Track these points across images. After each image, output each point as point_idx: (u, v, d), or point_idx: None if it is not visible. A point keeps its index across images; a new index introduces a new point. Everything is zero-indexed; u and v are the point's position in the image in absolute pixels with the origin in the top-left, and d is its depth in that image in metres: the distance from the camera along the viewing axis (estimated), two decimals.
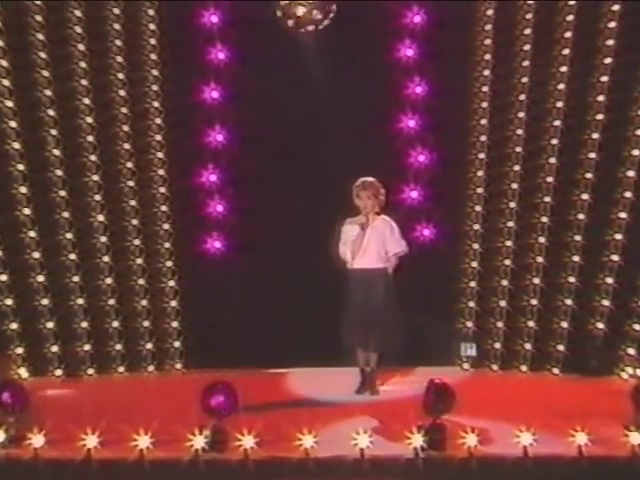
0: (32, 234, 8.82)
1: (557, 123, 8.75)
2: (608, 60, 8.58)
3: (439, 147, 8.92)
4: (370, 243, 7.46)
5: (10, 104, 8.81)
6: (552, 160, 8.76)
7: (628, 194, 8.48)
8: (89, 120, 9.01)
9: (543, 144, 8.81)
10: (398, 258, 7.71)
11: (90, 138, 9.02)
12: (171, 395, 7.58)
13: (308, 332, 8.47)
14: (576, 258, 8.60)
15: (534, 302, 8.70)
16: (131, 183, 9.09)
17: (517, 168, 8.88)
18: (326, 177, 8.72)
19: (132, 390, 8.12)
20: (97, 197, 9.00)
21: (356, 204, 7.66)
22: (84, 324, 8.83)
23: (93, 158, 9.01)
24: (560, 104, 8.75)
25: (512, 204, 8.89)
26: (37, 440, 5.65)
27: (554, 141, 8.75)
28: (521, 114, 8.89)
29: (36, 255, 8.80)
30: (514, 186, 8.88)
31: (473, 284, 8.94)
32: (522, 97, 8.89)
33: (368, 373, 7.64)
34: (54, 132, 8.92)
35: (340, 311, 7.68)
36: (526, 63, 8.85)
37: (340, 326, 7.59)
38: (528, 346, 8.66)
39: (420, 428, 5.52)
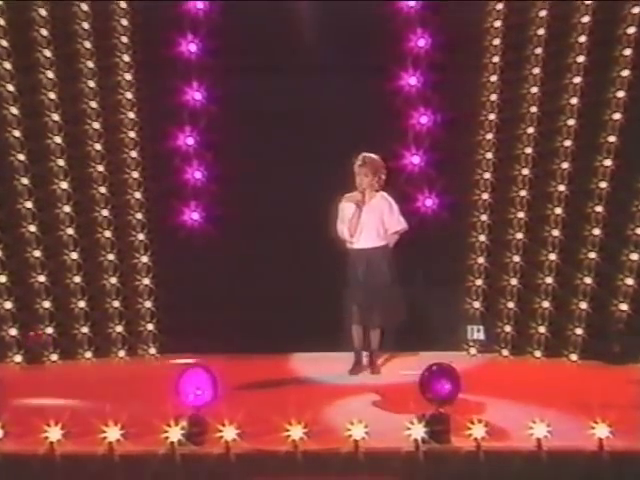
0: None
1: (577, 80, 8.73)
2: (637, 9, 8.54)
3: (443, 107, 8.89)
4: (368, 222, 7.83)
5: None
6: (571, 122, 8.74)
7: None
8: (50, 75, 8.94)
9: (561, 104, 8.81)
10: (398, 235, 8.01)
11: (52, 95, 8.95)
12: (144, 383, 7.57)
13: (297, 314, 8.50)
14: (597, 231, 8.60)
15: (549, 280, 8.72)
16: (98, 147, 9.04)
17: (531, 131, 8.87)
18: (318, 140, 8.71)
19: (100, 377, 8.10)
20: (60, 162, 8.94)
21: (356, 180, 7.93)
22: (46, 304, 8.79)
23: (55, 117, 8.95)
24: (581, 59, 8.72)
25: (525, 171, 8.88)
26: None
27: (573, 100, 8.74)
28: (536, 70, 8.87)
29: None
30: (528, 151, 8.88)
31: (481, 260, 8.95)
32: (538, 51, 8.87)
33: (370, 353, 7.98)
34: (10, 88, 8.83)
35: (331, 290, 7.88)
36: (543, 13, 8.82)
37: (340, 306, 7.83)
38: (542, 329, 8.68)
39: (421, 418, 5.53)
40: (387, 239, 7.92)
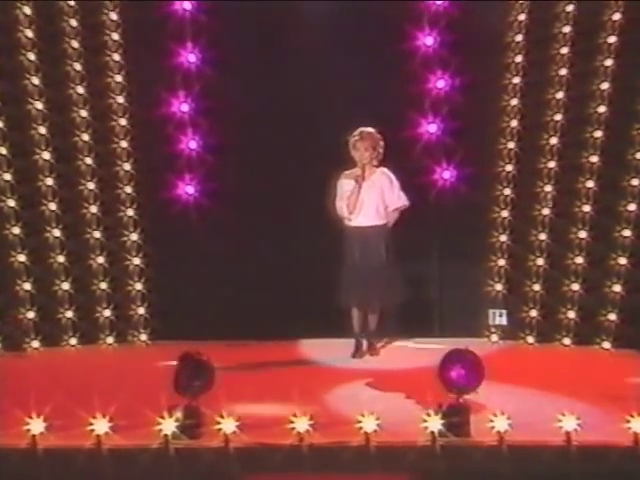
0: None
1: (612, 40, 8.64)
2: None
3: (463, 70, 8.82)
4: (367, 199, 8.06)
5: None
6: (604, 86, 8.68)
7: None
8: (29, 34, 8.86)
9: (594, 66, 8.73)
10: (399, 212, 8.18)
11: (31, 56, 8.86)
12: (134, 371, 7.63)
13: (300, 296, 8.53)
14: (632, 207, 8.56)
15: (579, 260, 8.69)
16: (83, 113, 9.01)
17: (560, 95, 8.82)
18: (325, 107, 8.71)
19: (87, 366, 8.13)
20: (41, 130, 8.88)
21: (353, 156, 8.08)
22: (27, 286, 8.76)
23: (35, 81, 8.88)
24: (617, 16, 8.62)
25: (554, 140, 8.84)
26: None
27: (608, 62, 8.66)
28: (567, 29, 8.79)
29: None
30: (557, 118, 8.83)
31: (504, 238, 8.94)
32: (569, 8, 8.78)
33: (368, 335, 8.28)
34: None
35: (334, 271, 8.04)
36: None
37: (336, 286, 8.02)
38: (572, 314, 8.67)
39: (439, 409, 5.54)
40: (387, 217, 8.14)
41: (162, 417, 5.57)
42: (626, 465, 5.49)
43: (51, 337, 8.80)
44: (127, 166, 9.09)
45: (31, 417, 5.59)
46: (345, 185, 8.10)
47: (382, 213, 8.11)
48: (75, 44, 8.99)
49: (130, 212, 9.09)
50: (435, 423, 5.50)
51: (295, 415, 5.49)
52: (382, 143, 8.10)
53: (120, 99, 9.08)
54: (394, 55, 8.64)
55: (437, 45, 8.87)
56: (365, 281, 8.04)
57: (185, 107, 9.01)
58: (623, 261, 8.55)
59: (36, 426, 5.58)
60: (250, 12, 8.76)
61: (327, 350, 8.31)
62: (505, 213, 8.96)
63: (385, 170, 8.13)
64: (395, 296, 8.13)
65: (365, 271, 8.03)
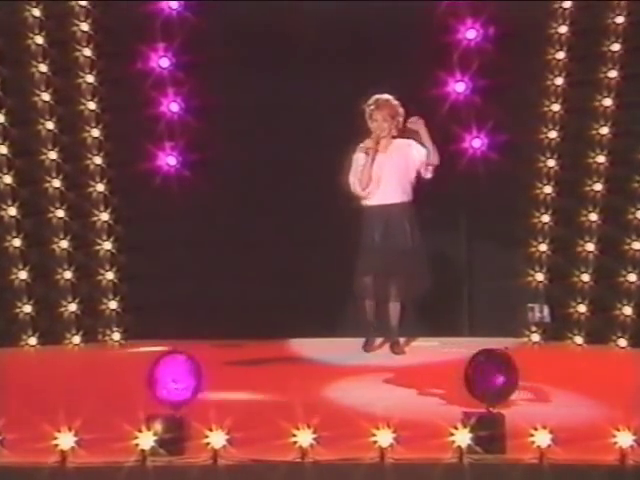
0: None
1: None
2: None
3: (498, 17, 8.83)
4: (386, 172, 8.22)
5: None
6: None
7: None
8: None
9: None
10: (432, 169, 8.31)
11: None
12: (105, 376, 7.65)
13: (299, 289, 8.67)
14: None
15: (636, 246, 8.72)
16: (43, 68, 9.03)
17: (616, 48, 8.83)
18: (332, 61, 8.79)
19: (49, 369, 8.16)
20: None
21: (369, 126, 8.22)
22: None
23: None
24: None
25: (607, 101, 8.87)
26: None
27: None
28: None
29: None
30: (611, 75, 8.84)
31: (546, 218, 8.98)
32: None
33: (391, 331, 8.39)
34: None
35: (343, 260, 8.18)
36: None
37: (352, 273, 8.10)
38: (628, 310, 8.71)
39: (467, 420, 5.58)
40: (412, 193, 8.24)
41: (139, 430, 5.61)
42: None
43: (7, 336, 8.84)
44: (95, 132, 9.14)
45: None
46: (359, 159, 8.28)
47: (406, 188, 8.26)
48: None
49: (99, 187, 9.14)
50: (463, 437, 5.53)
51: (297, 427, 5.54)
52: (401, 110, 8.21)
53: (87, 52, 9.12)
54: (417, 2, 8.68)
55: None
56: (387, 267, 8.22)
57: (165, 62, 9.05)
58: None
59: None
60: None
61: (330, 350, 8.39)
62: (548, 189, 9.00)
63: (399, 139, 8.26)
64: (421, 285, 8.26)
65: (387, 256, 8.20)
